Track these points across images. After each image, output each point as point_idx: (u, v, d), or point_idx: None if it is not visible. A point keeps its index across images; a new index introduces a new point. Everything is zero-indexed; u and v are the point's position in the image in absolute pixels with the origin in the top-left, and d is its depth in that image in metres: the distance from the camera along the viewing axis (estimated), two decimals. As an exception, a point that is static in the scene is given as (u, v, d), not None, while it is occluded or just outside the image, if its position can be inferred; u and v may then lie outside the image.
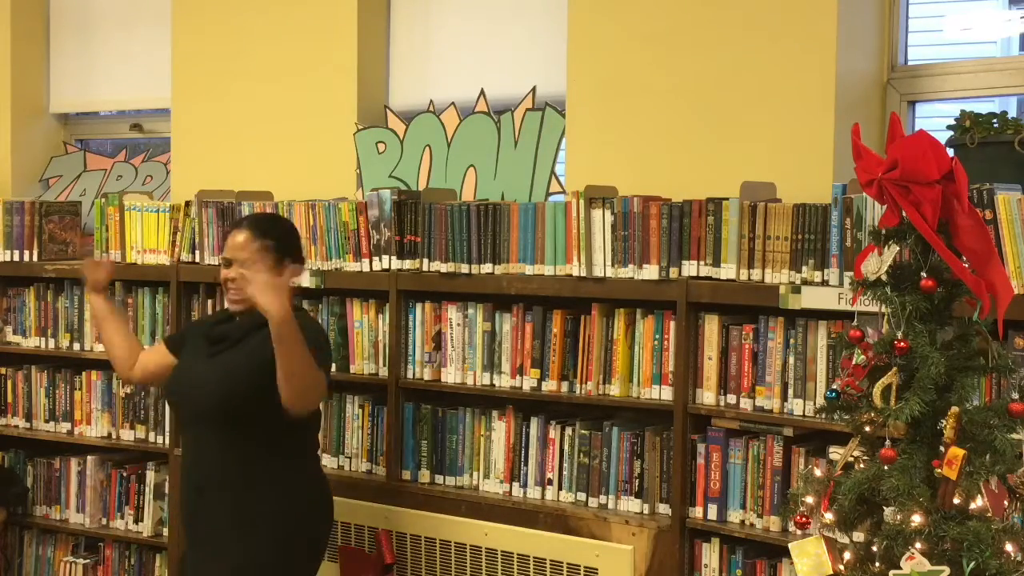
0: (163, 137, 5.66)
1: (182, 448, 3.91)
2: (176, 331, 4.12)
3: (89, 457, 5.07)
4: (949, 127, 3.62)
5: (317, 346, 3.57)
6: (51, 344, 5.16)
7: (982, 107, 3.65)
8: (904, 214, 2.61)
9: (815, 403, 3.51)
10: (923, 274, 2.60)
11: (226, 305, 3.75)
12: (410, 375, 4.29)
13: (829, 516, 2.71)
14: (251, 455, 3.59)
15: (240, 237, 3.64)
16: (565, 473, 4.02)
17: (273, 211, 4.51)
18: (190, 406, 3.70)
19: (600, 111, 4.33)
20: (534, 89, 4.47)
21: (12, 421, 5.25)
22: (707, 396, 3.73)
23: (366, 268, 4.35)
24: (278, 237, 3.69)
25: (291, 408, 3.48)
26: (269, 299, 3.34)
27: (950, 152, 2.92)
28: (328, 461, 4.47)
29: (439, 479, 4.25)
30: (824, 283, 3.50)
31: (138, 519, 4.95)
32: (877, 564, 2.60)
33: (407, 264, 4.25)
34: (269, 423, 3.56)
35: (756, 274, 3.64)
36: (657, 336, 3.83)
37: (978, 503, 2.54)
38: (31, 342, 5.23)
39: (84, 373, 5.08)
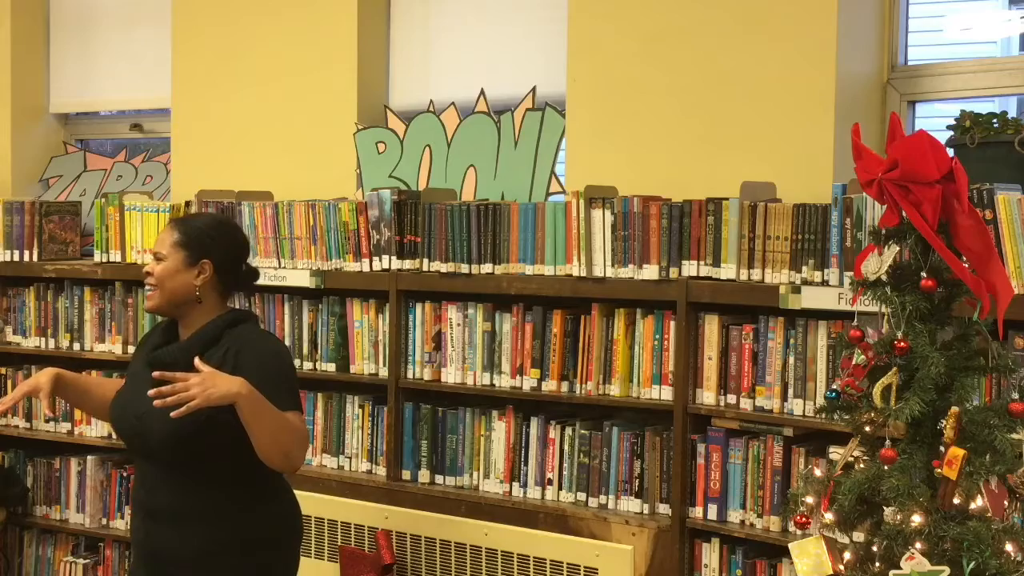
0: (163, 137, 5.65)
1: (135, 477, 3.55)
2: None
3: (89, 457, 5.08)
4: (949, 127, 3.61)
5: (283, 382, 3.26)
6: (51, 344, 5.16)
7: (982, 107, 3.65)
8: (904, 214, 2.61)
9: (815, 403, 3.51)
10: (923, 274, 2.60)
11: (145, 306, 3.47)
12: (410, 375, 4.28)
13: (829, 516, 2.71)
14: (208, 487, 3.27)
15: (164, 233, 3.39)
16: (565, 473, 4.01)
17: (273, 210, 4.52)
18: (138, 441, 3.34)
19: (600, 111, 4.33)
20: (534, 89, 4.46)
21: (12, 421, 5.25)
22: (707, 396, 3.73)
23: (366, 268, 4.35)
24: (194, 235, 3.33)
25: (283, 472, 3.30)
26: (220, 391, 3.05)
27: (950, 152, 2.92)
28: (328, 461, 4.47)
29: (439, 479, 4.25)
30: (824, 283, 3.50)
31: (138, 519, 4.94)
32: (877, 564, 2.60)
33: (407, 264, 4.25)
34: (226, 452, 3.24)
35: (756, 274, 3.64)
36: (657, 336, 3.83)
37: (978, 503, 2.54)
38: (31, 342, 5.23)
39: (84, 373, 5.06)
